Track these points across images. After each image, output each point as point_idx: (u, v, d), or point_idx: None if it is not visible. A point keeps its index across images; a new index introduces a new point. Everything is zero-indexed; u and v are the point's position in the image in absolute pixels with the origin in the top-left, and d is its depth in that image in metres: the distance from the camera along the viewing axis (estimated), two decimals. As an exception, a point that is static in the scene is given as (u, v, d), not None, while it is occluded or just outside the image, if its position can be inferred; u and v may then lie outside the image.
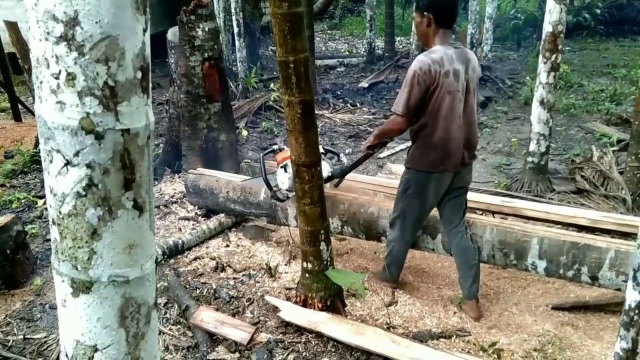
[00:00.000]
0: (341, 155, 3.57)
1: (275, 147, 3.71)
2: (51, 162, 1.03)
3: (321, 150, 3.40)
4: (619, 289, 2.68)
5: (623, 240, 2.85)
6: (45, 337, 2.90)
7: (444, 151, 2.78)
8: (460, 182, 2.94)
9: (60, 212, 1.05)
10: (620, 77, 8.91)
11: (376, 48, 11.36)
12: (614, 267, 2.67)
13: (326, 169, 3.32)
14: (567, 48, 10.65)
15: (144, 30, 1.03)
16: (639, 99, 4.29)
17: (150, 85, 1.10)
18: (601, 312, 3.01)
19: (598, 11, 12.38)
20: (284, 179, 3.44)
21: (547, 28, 4.42)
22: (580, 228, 3.27)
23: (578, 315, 3.00)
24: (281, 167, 3.43)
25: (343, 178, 3.50)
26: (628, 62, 9.93)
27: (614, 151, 5.24)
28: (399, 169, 4.49)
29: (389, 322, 2.96)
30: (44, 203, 4.57)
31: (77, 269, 1.08)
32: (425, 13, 2.73)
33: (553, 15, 4.37)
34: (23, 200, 4.64)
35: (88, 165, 1.01)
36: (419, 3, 2.78)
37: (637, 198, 4.27)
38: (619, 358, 1.56)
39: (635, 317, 1.49)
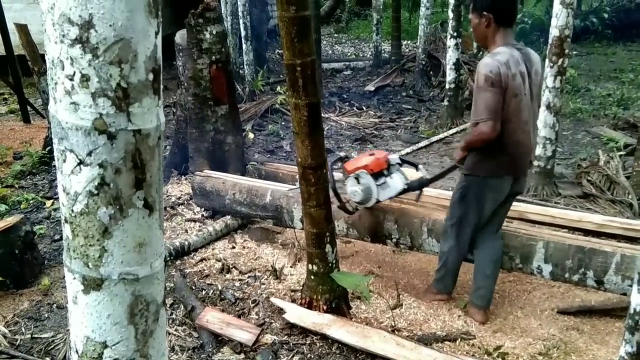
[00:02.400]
0: (419, 166, 3.35)
1: (342, 154, 3.51)
2: (64, 161, 1.05)
3: (397, 160, 3.26)
4: (624, 294, 2.68)
5: (629, 245, 2.85)
6: (52, 336, 2.92)
7: (508, 156, 2.68)
8: (517, 188, 2.85)
9: (72, 211, 1.08)
10: (628, 81, 8.87)
11: (383, 51, 11.38)
12: (619, 271, 2.67)
13: (402, 180, 3.17)
14: (575, 52, 10.61)
15: (156, 33, 1.05)
16: (646, 103, 4.28)
17: (162, 86, 1.12)
18: (607, 316, 3.00)
19: (606, 15, 12.34)
20: (356, 190, 3.21)
21: (553, 32, 4.42)
22: (586, 232, 3.28)
23: (583, 319, 2.99)
24: (354, 177, 3.22)
25: (422, 192, 3.30)
26: (636, 66, 9.89)
27: (620, 156, 5.22)
28: None
29: (393, 324, 2.96)
30: (52, 204, 4.61)
31: (88, 266, 1.10)
32: (484, 13, 2.61)
33: (560, 20, 4.37)
34: (31, 201, 4.69)
35: (100, 165, 1.04)
36: (477, 3, 2.67)
37: (644, 203, 4.26)
38: (624, 361, 1.57)
39: (641, 321, 1.49)
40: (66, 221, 1.10)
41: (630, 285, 2.53)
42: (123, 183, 1.06)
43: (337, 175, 3.44)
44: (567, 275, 2.83)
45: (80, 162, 1.03)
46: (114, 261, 1.10)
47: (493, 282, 2.96)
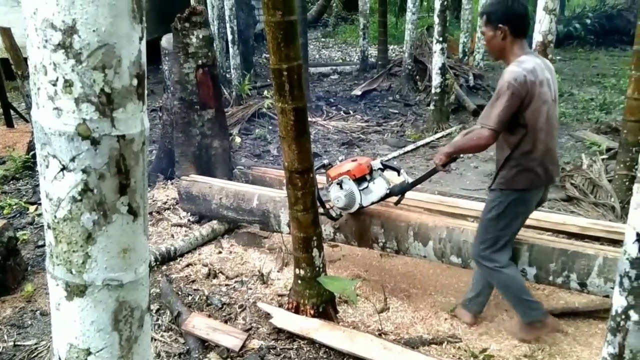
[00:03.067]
0: (401, 171, 3.32)
1: (325, 161, 3.52)
2: (47, 167, 1.05)
3: (379, 165, 3.27)
4: (607, 296, 2.71)
5: (611, 247, 2.89)
6: (35, 343, 2.88)
7: (542, 165, 2.61)
8: (543, 197, 2.79)
9: (55, 217, 1.07)
10: (610, 86, 9.02)
11: (369, 56, 11.44)
12: (602, 274, 2.71)
13: (383, 185, 3.20)
14: (558, 57, 10.77)
15: (140, 39, 1.05)
16: (628, 108, 4.35)
17: (146, 92, 1.11)
18: (590, 318, 3.04)
19: (588, 21, 12.56)
20: (339, 196, 3.23)
21: (537, 37, 4.48)
22: (570, 235, 3.32)
23: (567, 321, 3.02)
24: (337, 183, 3.24)
25: (403, 196, 3.26)
26: (617, 71, 10.06)
27: (603, 159, 5.31)
28: None
29: (380, 328, 2.97)
30: (36, 209, 4.55)
31: (71, 272, 1.09)
32: (500, 25, 2.56)
33: (543, 25, 4.43)
34: (15, 207, 4.62)
35: (84, 171, 1.03)
36: (490, 16, 2.61)
37: (626, 206, 4.32)
38: (606, 363, 1.59)
39: (622, 323, 1.51)
40: (49, 227, 1.09)
41: (613, 288, 2.57)
42: (107, 189, 1.06)
43: (321, 179, 3.44)
44: (551, 278, 2.85)
45: (64, 168, 1.03)
46: (97, 267, 1.09)
47: (492, 291, 2.98)
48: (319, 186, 3.22)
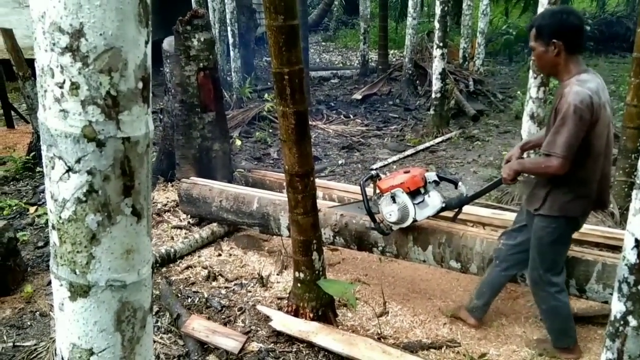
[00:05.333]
0: (459, 184, 3.16)
1: (372, 172, 3.31)
2: (53, 168, 1.05)
3: (434, 177, 3.12)
4: (606, 302, 2.72)
5: (610, 253, 2.90)
6: (35, 344, 2.88)
7: (598, 192, 2.50)
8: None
9: (60, 217, 1.08)
10: (609, 92, 9.03)
11: (370, 60, 11.47)
12: (601, 280, 2.71)
13: (439, 199, 3.06)
14: (558, 64, 10.80)
15: (146, 42, 1.06)
16: (627, 114, 4.37)
17: (151, 95, 1.13)
18: (589, 324, 3.04)
19: (588, 28, 12.58)
20: (392, 210, 3.03)
21: (537, 44, 4.49)
22: (569, 241, 3.32)
23: (566, 327, 3.03)
24: (390, 196, 3.05)
25: (461, 210, 3.15)
26: (617, 78, 10.08)
27: (602, 166, 5.31)
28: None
29: (379, 332, 2.98)
30: (36, 210, 4.56)
31: (75, 273, 1.10)
32: (554, 40, 2.38)
33: (543, 32, 4.44)
34: (15, 207, 4.63)
35: (89, 172, 1.04)
36: (542, 31, 2.43)
37: (625, 212, 4.33)
38: (605, 368, 1.59)
39: (621, 328, 1.52)
40: (54, 228, 1.10)
41: (611, 294, 2.57)
42: (111, 190, 1.07)
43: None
44: (550, 283, 2.86)
45: (69, 169, 1.04)
46: (101, 268, 1.10)
47: (495, 297, 3.01)
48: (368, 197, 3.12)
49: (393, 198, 3.04)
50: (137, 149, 1.09)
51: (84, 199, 1.05)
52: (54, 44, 0.98)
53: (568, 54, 2.41)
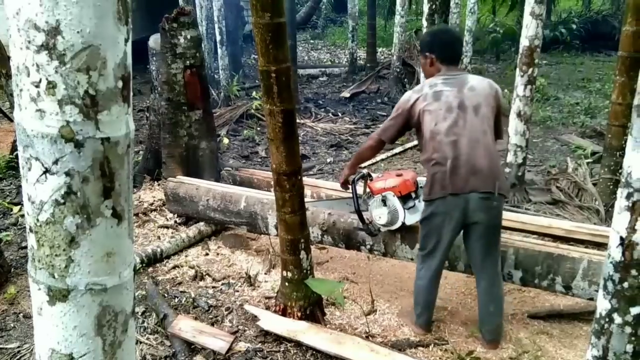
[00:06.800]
0: None
1: (363, 171, 3.23)
2: (30, 169, 1.03)
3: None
4: (591, 299, 2.75)
5: (596, 251, 2.92)
6: (18, 346, 2.84)
7: (439, 173, 2.64)
8: (475, 217, 2.65)
9: (38, 220, 1.05)
10: (595, 90, 9.13)
11: (358, 58, 11.44)
12: (586, 277, 2.74)
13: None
14: (544, 62, 10.87)
15: (126, 40, 1.04)
16: (612, 112, 4.41)
17: (131, 94, 1.10)
18: (575, 320, 3.07)
19: (574, 26, 12.68)
20: (382, 213, 3.03)
21: (524, 42, 4.52)
22: (555, 238, 3.35)
23: (553, 323, 3.05)
24: (380, 199, 3.03)
25: None
26: (602, 76, 10.18)
27: (588, 163, 5.37)
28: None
29: (368, 331, 2.97)
30: (20, 210, 4.48)
31: (54, 277, 1.07)
32: (427, 54, 2.82)
33: (530, 30, 4.47)
34: (-2, 207, 4.56)
35: (67, 174, 1.01)
36: (421, 46, 2.92)
37: (610, 209, 4.38)
38: (590, 365, 1.60)
39: (606, 326, 1.53)
40: (31, 230, 1.07)
41: (597, 291, 2.60)
42: (91, 192, 1.04)
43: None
44: (536, 280, 2.88)
45: (46, 171, 1.01)
46: (80, 271, 1.08)
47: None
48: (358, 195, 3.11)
49: (384, 201, 3.03)
50: (117, 149, 1.06)
51: (62, 201, 1.03)
52: (29, 42, 0.95)
53: (440, 64, 2.80)
